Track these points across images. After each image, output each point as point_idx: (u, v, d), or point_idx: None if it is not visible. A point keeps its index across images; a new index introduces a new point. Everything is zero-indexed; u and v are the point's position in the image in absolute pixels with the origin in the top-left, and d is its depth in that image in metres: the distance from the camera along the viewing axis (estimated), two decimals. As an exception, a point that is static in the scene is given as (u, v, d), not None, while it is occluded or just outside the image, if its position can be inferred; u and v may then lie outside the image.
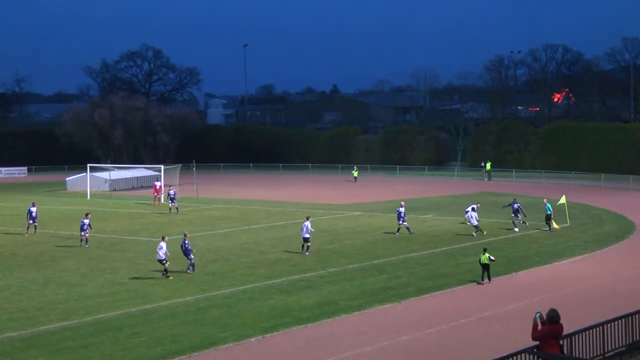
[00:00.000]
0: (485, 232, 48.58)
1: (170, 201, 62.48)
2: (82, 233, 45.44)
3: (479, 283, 34.71)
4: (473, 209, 49.69)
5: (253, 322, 28.23)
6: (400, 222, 49.00)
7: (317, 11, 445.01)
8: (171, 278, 35.90)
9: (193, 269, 37.28)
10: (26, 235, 50.01)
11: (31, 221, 50.56)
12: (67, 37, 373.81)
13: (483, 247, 36.09)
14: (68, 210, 66.19)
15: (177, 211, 61.90)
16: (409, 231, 48.79)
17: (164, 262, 36.15)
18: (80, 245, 45.24)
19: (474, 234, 48.12)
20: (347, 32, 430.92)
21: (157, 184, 71.77)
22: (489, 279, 34.79)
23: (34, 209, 50.81)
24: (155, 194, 69.89)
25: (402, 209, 49.15)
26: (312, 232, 43.54)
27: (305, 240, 42.59)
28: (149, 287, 34.45)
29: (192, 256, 37.48)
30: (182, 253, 37.59)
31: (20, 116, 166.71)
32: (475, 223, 48.46)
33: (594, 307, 29.61)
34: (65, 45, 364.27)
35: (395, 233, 48.83)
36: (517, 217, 51.53)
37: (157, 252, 36.35)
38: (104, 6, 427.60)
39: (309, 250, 42.55)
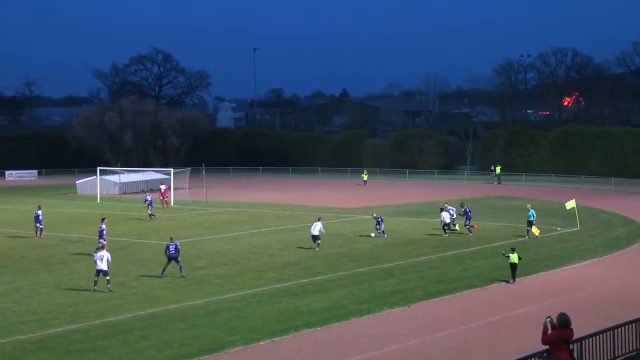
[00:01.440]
0: (457, 228, 50.75)
1: (148, 207, 61.28)
2: (101, 240, 43.85)
3: (508, 282, 35.30)
4: (443, 209, 51.17)
5: (262, 325, 28.24)
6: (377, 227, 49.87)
7: (326, 15, 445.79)
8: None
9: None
10: (35, 238, 50.11)
11: (38, 224, 50.59)
12: (77, 40, 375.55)
13: (511, 247, 36.44)
14: (78, 213, 66.32)
15: (155, 217, 60.56)
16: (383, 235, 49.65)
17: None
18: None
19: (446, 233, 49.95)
20: (356, 36, 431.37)
21: (163, 187, 71.86)
22: (514, 279, 35.24)
23: (39, 212, 50.91)
24: (162, 197, 69.87)
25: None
26: (323, 233, 45.18)
27: (315, 238, 44.47)
28: (158, 290, 34.49)
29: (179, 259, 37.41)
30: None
31: (31, 119, 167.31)
32: (447, 221, 50.37)
33: (604, 312, 29.52)
34: (75, 48, 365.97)
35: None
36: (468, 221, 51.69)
37: (102, 262, 34.57)
38: (114, 10, 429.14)
39: (319, 246, 44.27)
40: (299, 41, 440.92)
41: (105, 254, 34.75)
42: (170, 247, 37.38)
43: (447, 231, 50.28)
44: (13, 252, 45.35)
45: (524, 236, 49.28)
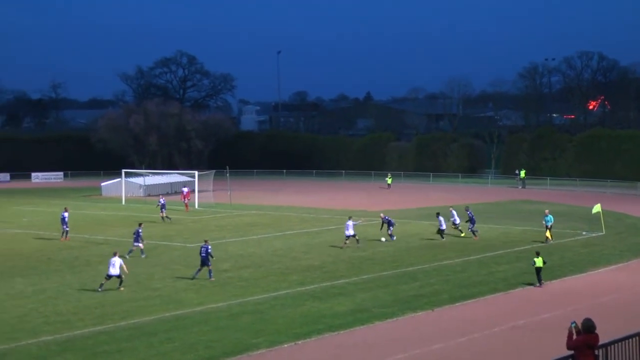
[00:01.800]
0: (444, 238, 49.75)
1: (160, 210, 61.20)
2: (137, 244, 44.04)
3: (535, 286, 35.36)
4: (438, 214, 51.03)
5: (285, 328, 28.28)
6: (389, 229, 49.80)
7: (351, 18, 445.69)
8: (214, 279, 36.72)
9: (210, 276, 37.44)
10: (61, 240, 50.46)
11: (64, 226, 50.95)
12: (102, 43, 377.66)
13: (536, 251, 36.40)
14: (103, 215, 66.73)
15: (170, 219, 60.39)
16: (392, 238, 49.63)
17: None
18: (127, 257, 43.38)
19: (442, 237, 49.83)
20: (380, 39, 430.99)
21: (185, 189, 72.07)
22: (540, 283, 35.35)
23: (66, 214, 51.24)
24: (185, 200, 70.02)
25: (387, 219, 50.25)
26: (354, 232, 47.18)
27: (348, 237, 46.50)
28: (183, 292, 34.64)
29: (210, 263, 37.63)
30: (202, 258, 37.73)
31: (57, 122, 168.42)
32: (444, 227, 50.12)
33: (630, 317, 29.33)
34: (100, 51, 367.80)
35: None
36: (473, 224, 51.36)
37: (113, 267, 35.31)
38: (139, 13, 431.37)
39: (358, 242, 46.76)
40: (323, 44, 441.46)
41: (117, 260, 35.31)
42: (202, 249, 37.70)
43: (443, 236, 49.94)
44: (39, 254, 45.71)
45: (545, 242, 49.04)
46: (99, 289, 34.83)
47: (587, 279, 38.01)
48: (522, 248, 45.95)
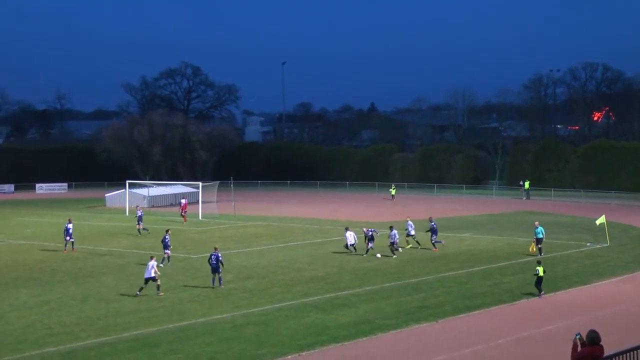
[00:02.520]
0: (395, 255, 47.27)
1: (137, 222, 60.36)
2: (166, 251, 44.32)
3: (539, 296, 35.27)
4: (392, 228, 48.81)
5: (289, 339, 28.23)
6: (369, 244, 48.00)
7: (355, 29, 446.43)
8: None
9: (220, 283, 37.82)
10: (64, 251, 50.43)
11: (68, 237, 50.90)
12: (107, 55, 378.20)
13: (537, 260, 36.34)
14: (107, 226, 66.76)
15: (147, 231, 59.33)
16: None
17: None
18: (162, 265, 43.80)
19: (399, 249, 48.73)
20: (384, 51, 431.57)
21: (183, 201, 72.06)
22: (541, 292, 35.32)
23: (70, 226, 51.21)
24: (182, 212, 69.93)
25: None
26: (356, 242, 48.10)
27: (350, 245, 47.62)
28: (186, 303, 34.60)
29: (220, 270, 38.03)
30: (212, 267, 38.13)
31: (61, 133, 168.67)
32: (352, 242, 48.36)
33: (635, 329, 29.23)
34: (105, 62, 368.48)
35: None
36: (435, 237, 50.98)
37: (148, 270, 36.36)
38: (144, 24, 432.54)
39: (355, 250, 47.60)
40: (328, 55, 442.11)
41: (153, 263, 36.49)
42: (212, 257, 38.08)
43: (394, 251, 47.86)
44: (43, 265, 45.71)
45: (547, 254, 48.90)
46: (138, 292, 35.89)
47: (591, 290, 37.90)
48: (526, 259, 45.83)
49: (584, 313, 32.33)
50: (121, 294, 36.65)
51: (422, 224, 54.60)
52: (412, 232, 51.18)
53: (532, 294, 35.62)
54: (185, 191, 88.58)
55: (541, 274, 35.36)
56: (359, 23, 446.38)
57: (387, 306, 33.75)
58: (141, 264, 45.21)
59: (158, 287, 36.28)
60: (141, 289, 36.13)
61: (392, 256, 47.12)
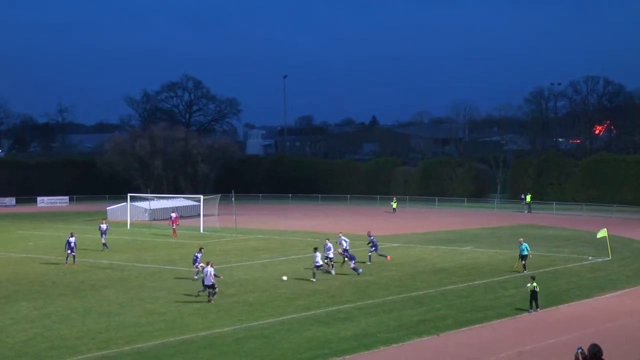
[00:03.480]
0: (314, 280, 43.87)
1: (101, 236, 59.16)
2: (196, 264, 43.96)
3: (535, 311, 34.96)
4: (315, 250, 45.68)
5: (291, 353, 28.18)
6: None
7: (356, 43, 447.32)
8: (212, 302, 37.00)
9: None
10: (66, 265, 50.36)
11: (69, 251, 50.81)
12: (109, 68, 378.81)
13: (531, 276, 36.21)
14: (108, 239, 66.61)
15: (107, 247, 57.94)
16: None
17: (214, 287, 37.60)
18: (194, 279, 43.44)
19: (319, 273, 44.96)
20: (386, 64, 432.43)
21: (173, 215, 71.96)
22: (537, 307, 34.96)
23: (72, 239, 51.16)
24: (173, 225, 69.76)
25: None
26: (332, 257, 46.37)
27: (324, 262, 45.29)
28: (187, 317, 34.55)
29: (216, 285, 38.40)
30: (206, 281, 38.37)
31: (63, 146, 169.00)
32: (319, 263, 44.56)
33: (637, 343, 29.18)
34: (107, 76, 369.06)
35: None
36: (376, 250, 51.00)
37: (207, 277, 37.52)
38: (146, 38, 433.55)
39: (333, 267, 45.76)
40: (329, 69, 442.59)
41: (210, 270, 37.54)
42: (206, 272, 38.20)
43: (327, 267, 45.93)
44: (44, 278, 45.66)
45: (548, 268, 48.81)
46: (199, 293, 37.97)
47: (593, 304, 37.85)
48: (529, 273, 45.73)
49: (585, 327, 32.27)
50: (122, 307, 36.61)
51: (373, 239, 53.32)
52: (331, 255, 46.82)
53: (524, 310, 35.39)
54: (186, 204, 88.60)
55: (532, 288, 35.05)
56: (360, 36, 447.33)
57: (389, 319, 33.70)
58: (141, 278, 45.26)
59: (214, 294, 37.35)
60: (199, 293, 37.98)
61: (330, 272, 45.85)
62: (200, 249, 45.26)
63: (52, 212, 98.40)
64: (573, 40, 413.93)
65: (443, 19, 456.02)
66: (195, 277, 43.40)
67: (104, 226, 59.91)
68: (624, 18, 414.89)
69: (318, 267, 44.42)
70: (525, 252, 46.31)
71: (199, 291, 38.48)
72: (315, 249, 45.51)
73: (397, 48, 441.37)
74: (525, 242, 47.18)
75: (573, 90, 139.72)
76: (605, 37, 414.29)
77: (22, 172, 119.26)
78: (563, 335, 30.70)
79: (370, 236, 51.66)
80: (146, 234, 69.93)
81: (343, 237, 49.82)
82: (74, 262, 50.59)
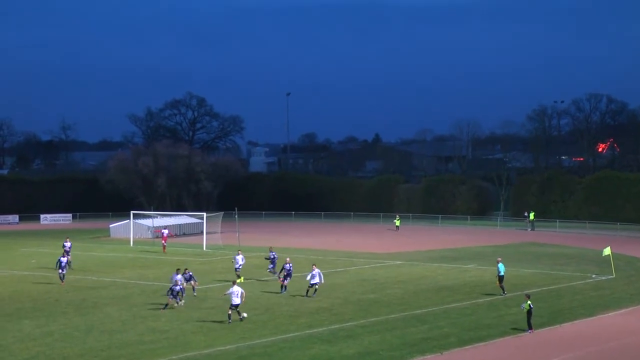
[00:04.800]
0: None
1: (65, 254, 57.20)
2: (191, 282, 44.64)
3: (529, 332, 34.71)
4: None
5: (293, 371, 28.08)
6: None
7: (359, 60, 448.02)
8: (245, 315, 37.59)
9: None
10: (62, 284, 49.65)
11: (60, 270, 50.27)
12: (112, 85, 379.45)
13: (526, 294, 36.10)
14: (111, 257, 66.67)
15: (70, 266, 55.44)
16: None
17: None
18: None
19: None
20: (389, 81, 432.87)
21: (165, 231, 72.09)
22: (530, 328, 34.74)
23: (64, 260, 50.86)
24: (164, 242, 69.94)
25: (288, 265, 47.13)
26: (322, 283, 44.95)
27: (313, 285, 44.50)
28: (190, 335, 34.48)
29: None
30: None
31: (66, 163, 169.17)
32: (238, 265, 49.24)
33: (641, 361, 29.08)
34: (110, 93, 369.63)
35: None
36: (273, 267, 51.34)
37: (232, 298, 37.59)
38: (149, 55, 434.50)
39: (316, 293, 44.23)
40: (332, 86, 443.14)
41: (238, 290, 37.51)
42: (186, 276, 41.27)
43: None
44: (47, 296, 45.61)
45: (552, 286, 48.67)
46: (229, 321, 36.65)
47: (597, 322, 37.74)
48: (532, 291, 45.59)
49: (589, 345, 32.17)
50: (125, 325, 36.54)
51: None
52: (239, 265, 50.58)
53: (521, 330, 35.25)
54: (190, 222, 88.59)
55: (530, 308, 34.85)
56: (363, 54, 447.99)
57: (392, 337, 33.63)
58: (144, 295, 45.18)
59: (238, 312, 37.46)
60: (229, 316, 37.27)
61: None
62: (185, 269, 44.91)
63: (55, 230, 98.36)
64: (576, 58, 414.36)
65: (445, 37, 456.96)
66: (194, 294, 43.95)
67: (67, 244, 58.91)
68: (627, 36, 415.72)
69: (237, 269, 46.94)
70: (502, 273, 44.66)
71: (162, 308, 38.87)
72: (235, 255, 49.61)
73: (400, 66, 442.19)
74: (502, 263, 45.40)
75: (576, 108, 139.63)
76: (609, 55, 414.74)
77: (26, 190, 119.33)
78: (566, 354, 30.61)
79: (271, 252, 52.27)
80: (149, 252, 69.85)
81: (240, 255, 51.33)
82: (62, 281, 49.82)
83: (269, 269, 51.53)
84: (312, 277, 44.74)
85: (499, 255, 51.20)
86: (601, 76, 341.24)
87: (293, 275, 47.35)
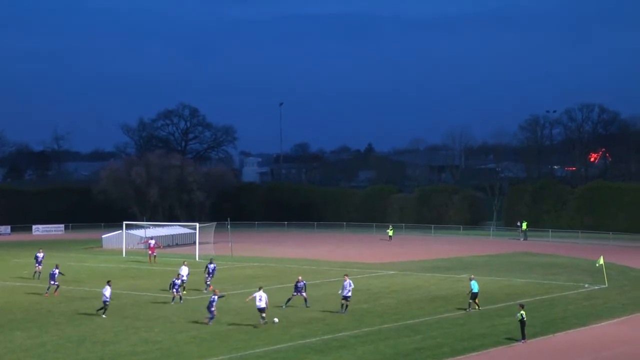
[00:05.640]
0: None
1: (38, 263, 58.53)
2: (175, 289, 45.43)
3: (522, 342, 34.61)
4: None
5: (287, 382, 28.03)
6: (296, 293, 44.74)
7: (351, 71, 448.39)
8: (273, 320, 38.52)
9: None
10: (45, 295, 49.35)
11: (52, 281, 50.11)
12: (104, 96, 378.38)
13: (520, 304, 36.07)
14: (103, 267, 66.51)
15: (37, 277, 56.90)
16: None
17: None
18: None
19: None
20: (382, 91, 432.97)
21: (152, 242, 72.03)
22: (524, 338, 34.73)
23: (56, 271, 50.78)
24: (151, 252, 69.85)
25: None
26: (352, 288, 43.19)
27: (345, 298, 42.26)
28: (183, 345, 34.40)
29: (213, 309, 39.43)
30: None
31: (59, 174, 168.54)
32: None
33: (634, 371, 29.09)
34: (102, 103, 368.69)
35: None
36: (210, 277, 51.68)
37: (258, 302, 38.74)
38: (141, 65, 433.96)
39: (347, 309, 42.18)
40: (325, 96, 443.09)
41: (263, 295, 38.66)
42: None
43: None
44: (39, 307, 45.45)
45: (544, 296, 48.69)
46: (261, 322, 38.40)
47: (590, 332, 37.77)
48: (525, 300, 45.57)
49: (582, 355, 32.20)
50: (117, 336, 36.43)
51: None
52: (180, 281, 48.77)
53: (514, 340, 35.25)
54: (182, 232, 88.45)
55: (523, 318, 34.78)
56: (356, 64, 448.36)
57: (385, 347, 33.59)
58: (137, 306, 45.08)
59: (262, 317, 38.59)
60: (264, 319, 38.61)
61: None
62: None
63: (47, 241, 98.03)
64: (568, 68, 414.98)
65: (438, 47, 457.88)
66: (176, 303, 45.18)
67: (40, 255, 59.08)
68: (619, 46, 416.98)
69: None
70: (476, 290, 43.21)
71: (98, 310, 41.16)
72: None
73: (393, 76, 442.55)
74: (475, 281, 43.98)
75: (568, 117, 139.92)
76: (601, 65, 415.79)
77: (18, 201, 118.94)
78: (560, 364, 30.60)
79: (211, 262, 52.79)
80: (142, 262, 69.69)
81: (185, 266, 51.28)
82: (55, 291, 49.78)
83: (206, 281, 51.60)
84: (344, 288, 42.51)
85: (491, 265, 51.35)
86: (593, 86, 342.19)
87: (286, 285, 47.09)
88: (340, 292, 42.77)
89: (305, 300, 44.38)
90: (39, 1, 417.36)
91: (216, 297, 39.46)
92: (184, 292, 47.83)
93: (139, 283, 55.36)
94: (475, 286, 43.22)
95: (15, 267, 67.07)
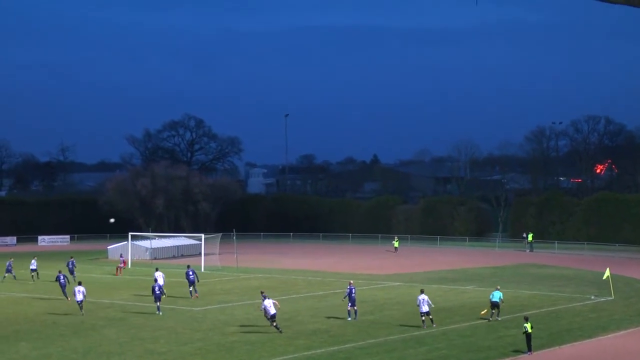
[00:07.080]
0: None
1: (8, 270, 63.52)
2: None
3: (527, 354, 34.46)
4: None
5: (292, 394, 27.96)
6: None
7: (357, 82, 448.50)
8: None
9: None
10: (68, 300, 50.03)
11: (73, 275, 51.08)
12: (110, 107, 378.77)
13: (525, 316, 35.94)
14: (109, 278, 66.52)
15: (3, 279, 63.34)
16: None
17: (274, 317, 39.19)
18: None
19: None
20: (387, 103, 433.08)
21: (122, 258, 73.41)
22: (529, 350, 34.59)
23: (62, 276, 51.46)
24: (121, 265, 71.23)
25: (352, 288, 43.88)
26: (432, 307, 42.21)
27: (426, 314, 41.24)
28: (188, 357, 34.35)
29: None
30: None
31: (64, 185, 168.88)
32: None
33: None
34: (108, 115, 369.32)
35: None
36: (193, 286, 52.54)
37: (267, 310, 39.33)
38: (148, 77, 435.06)
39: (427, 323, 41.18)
40: (330, 107, 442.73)
41: (270, 302, 39.50)
42: (189, 272, 46.60)
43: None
44: (44, 318, 45.47)
45: (550, 308, 48.58)
46: (279, 332, 38.89)
47: (596, 344, 37.62)
48: (530, 312, 45.43)
49: (589, 367, 32.05)
50: (122, 347, 36.40)
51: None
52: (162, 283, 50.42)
53: (537, 348, 35.26)
54: (188, 243, 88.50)
55: (529, 330, 34.72)
56: (362, 76, 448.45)
57: (390, 359, 33.48)
58: (142, 317, 45.04)
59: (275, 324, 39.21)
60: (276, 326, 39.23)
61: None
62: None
63: (53, 252, 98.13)
64: (574, 80, 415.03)
65: (443, 58, 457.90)
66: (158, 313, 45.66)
67: (33, 263, 62.55)
68: (625, 58, 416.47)
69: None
70: (497, 299, 43.13)
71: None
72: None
73: (398, 88, 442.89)
74: (499, 291, 43.98)
75: (574, 129, 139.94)
76: (607, 76, 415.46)
77: (24, 211, 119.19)
78: (566, 376, 30.49)
79: (189, 268, 53.58)
80: (147, 273, 69.63)
81: (160, 273, 51.94)
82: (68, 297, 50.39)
83: (190, 289, 52.54)
84: (421, 303, 41.40)
85: (497, 276, 51.13)
86: (599, 98, 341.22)
87: (292, 296, 47.07)
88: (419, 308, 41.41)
89: (355, 312, 43.59)
90: (46, 13, 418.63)
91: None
92: (164, 295, 48.03)
93: (145, 294, 55.28)
94: (495, 296, 43.21)
95: (21, 277, 67.06)
